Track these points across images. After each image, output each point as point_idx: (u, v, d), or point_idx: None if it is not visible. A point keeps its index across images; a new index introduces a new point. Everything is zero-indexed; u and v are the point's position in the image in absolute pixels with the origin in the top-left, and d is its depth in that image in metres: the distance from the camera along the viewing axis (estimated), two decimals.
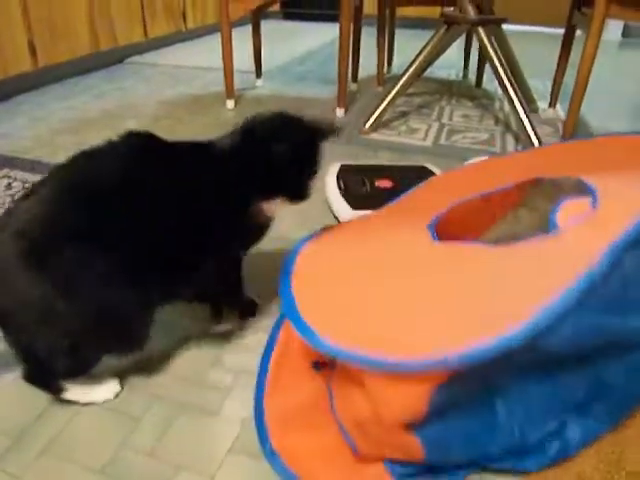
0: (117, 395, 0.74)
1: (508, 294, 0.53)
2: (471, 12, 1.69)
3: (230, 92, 1.98)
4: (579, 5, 1.81)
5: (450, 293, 0.56)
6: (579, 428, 0.60)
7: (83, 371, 0.70)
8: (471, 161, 0.99)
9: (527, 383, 0.56)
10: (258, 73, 2.32)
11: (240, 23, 2.24)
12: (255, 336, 0.86)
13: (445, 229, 0.73)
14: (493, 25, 1.83)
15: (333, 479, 0.62)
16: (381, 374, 0.51)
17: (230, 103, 1.99)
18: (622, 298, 0.53)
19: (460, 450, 0.58)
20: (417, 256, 0.66)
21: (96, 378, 0.74)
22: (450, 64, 2.75)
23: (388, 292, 0.60)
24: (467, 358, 0.47)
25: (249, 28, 2.20)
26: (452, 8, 1.93)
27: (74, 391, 0.72)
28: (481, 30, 1.69)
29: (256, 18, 2.17)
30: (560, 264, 0.54)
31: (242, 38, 2.24)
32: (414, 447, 0.55)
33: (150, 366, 0.80)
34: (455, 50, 2.61)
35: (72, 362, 0.67)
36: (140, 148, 0.73)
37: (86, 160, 0.69)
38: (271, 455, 0.64)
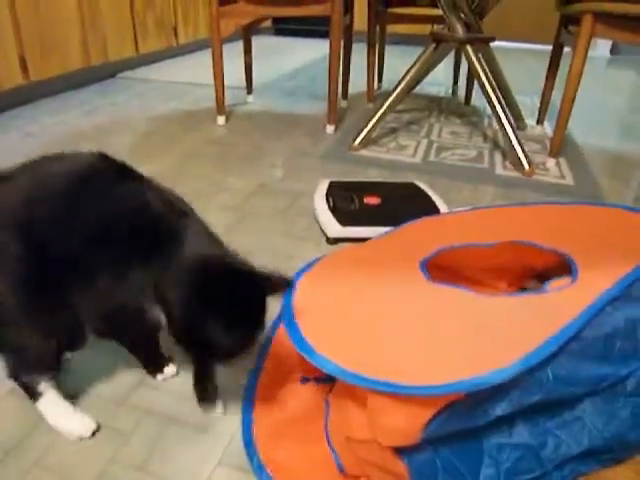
0: (94, 434, 0.72)
1: (499, 337, 0.56)
2: (460, 31, 1.71)
3: (221, 108, 1.99)
4: (566, 23, 1.84)
5: (444, 331, 0.58)
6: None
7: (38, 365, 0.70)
8: (460, 209, 1.01)
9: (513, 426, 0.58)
10: (249, 89, 2.34)
11: (231, 39, 2.26)
12: None
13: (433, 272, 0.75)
14: (483, 44, 1.86)
15: None
16: (385, 396, 0.52)
17: (221, 119, 2.00)
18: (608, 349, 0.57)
19: None
20: (412, 293, 0.67)
21: (78, 409, 0.73)
22: (440, 81, 2.78)
23: (385, 325, 0.61)
24: (480, 382, 0.49)
25: (240, 44, 2.22)
26: (442, 26, 1.96)
27: (52, 416, 0.71)
28: (469, 48, 1.71)
29: (247, 34, 2.19)
30: (546, 316, 0.57)
31: (233, 54, 2.26)
32: (401, 472, 0.55)
33: (140, 381, 0.79)
34: (445, 67, 2.65)
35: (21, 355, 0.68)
36: (95, 173, 0.68)
37: (44, 164, 0.68)
38: (259, 469, 0.64)
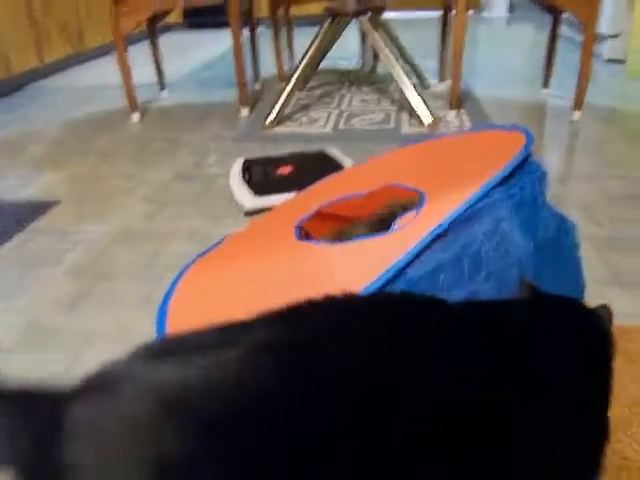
0: None
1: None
2: (350, 3, 1.78)
3: (134, 106, 2.00)
4: None
5: (274, 290, 0.65)
6: None
7: None
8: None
9: None
10: (162, 84, 2.35)
11: (144, 37, 2.27)
12: None
13: (318, 226, 0.82)
14: (375, 13, 1.94)
15: None
16: None
17: (135, 116, 2.02)
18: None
19: None
20: (275, 257, 0.74)
21: None
22: (350, 54, 2.86)
23: (240, 293, 0.68)
24: None
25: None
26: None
27: None
28: (363, 19, 1.78)
29: (152, 30, 2.20)
30: (370, 263, 0.64)
31: (147, 51, 2.25)
32: None
33: None
34: (354, 40, 2.72)
35: None
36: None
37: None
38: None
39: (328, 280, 0.64)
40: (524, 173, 0.73)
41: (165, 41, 2.24)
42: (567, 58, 2.20)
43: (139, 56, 2.06)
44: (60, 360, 0.83)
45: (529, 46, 3.10)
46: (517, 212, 0.70)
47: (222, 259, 0.82)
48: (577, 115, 1.77)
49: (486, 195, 0.67)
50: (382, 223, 0.83)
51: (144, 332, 0.88)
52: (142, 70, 1.95)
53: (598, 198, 1.25)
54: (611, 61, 2.50)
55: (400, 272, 0.59)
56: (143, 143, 1.79)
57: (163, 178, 1.50)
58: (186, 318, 0.70)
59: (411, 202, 0.79)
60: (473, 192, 0.66)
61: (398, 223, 0.70)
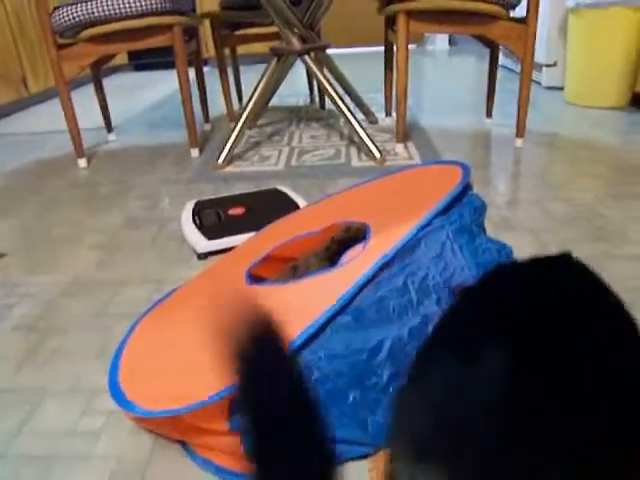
0: None
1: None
2: (295, 43, 1.82)
3: (80, 151, 1.96)
4: (391, 24, 2.01)
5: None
6: None
7: None
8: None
9: None
10: (109, 128, 2.32)
11: (88, 80, 2.25)
12: None
13: (271, 267, 0.82)
14: (319, 52, 1.99)
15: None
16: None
17: (82, 162, 1.98)
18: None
19: None
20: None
21: None
22: (298, 91, 2.91)
23: (189, 347, 0.67)
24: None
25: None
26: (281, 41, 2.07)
27: None
28: (307, 58, 1.82)
29: (96, 73, 2.18)
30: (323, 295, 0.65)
31: (92, 94, 2.23)
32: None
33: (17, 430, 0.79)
34: (301, 78, 2.77)
35: None
36: None
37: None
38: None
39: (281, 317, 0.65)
40: (463, 204, 0.76)
41: (111, 83, 2.24)
42: (507, 87, 2.31)
43: (84, 99, 2.04)
44: (11, 420, 0.79)
45: (471, 77, 3.23)
46: (459, 237, 0.73)
47: (174, 308, 0.81)
48: (520, 142, 1.85)
49: (428, 224, 0.69)
50: (331, 254, 0.84)
51: (98, 385, 0.85)
52: (88, 114, 1.93)
53: (544, 221, 1.30)
54: (550, 88, 2.64)
55: (347, 304, 0.61)
56: (91, 189, 1.76)
57: (113, 224, 1.48)
58: (138, 369, 0.68)
59: (356, 233, 0.81)
60: (415, 223, 0.68)
61: (346, 256, 0.71)
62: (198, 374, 0.61)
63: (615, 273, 1.04)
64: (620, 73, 2.21)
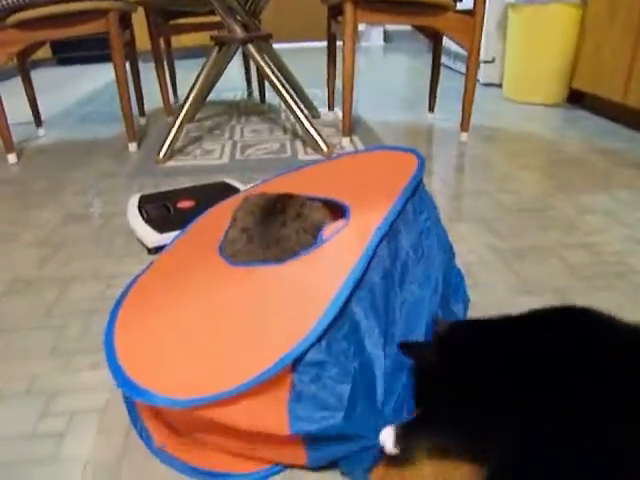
0: None
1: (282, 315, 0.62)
2: (238, 31, 1.80)
3: (9, 146, 1.85)
4: (335, 15, 2.01)
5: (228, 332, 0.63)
6: None
7: None
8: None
9: None
10: (37, 122, 2.20)
11: (13, 74, 2.11)
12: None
13: None
14: (262, 41, 1.97)
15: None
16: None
17: (12, 157, 1.86)
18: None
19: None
20: (215, 282, 0.71)
21: None
22: (235, 85, 2.87)
23: (188, 329, 0.65)
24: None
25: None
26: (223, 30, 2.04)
27: None
28: (250, 47, 1.80)
29: (22, 65, 2.06)
30: (326, 275, 0.64)
31: (17, 88, 2.11)
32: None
33: None
34: (238, 72, 2.74)
35: None
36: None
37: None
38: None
39: (301, 293, 0.64)
40: (425, 193, 0.79)
41: (35, 77, 2.11)
42: (445, 84, 2.37)
43: (10, 94, 1.91)
44: None
45: (407, 73, 3.30)
46: (434, 229, 0.76)
47: (159, 286, 0.77)
48: (465, 136, 1.92)
49: (402, 211, 0.71)
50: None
51: (55, 384, 0.81)
52: (14, 108, 1.81)
53: (493, 211, 1.35)
54: (488, 85, 2.74)
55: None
56: (24, 185, 1.66)
57: (52, 219, 1.40)
58: (141, 357, 0.64)
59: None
60: (391, 206, 0.69)
61: (327, 231, 0.70)
62: (219, 358, 0.60)
63: (569, 262, 1.10)
64: (558, 70, 2.30)
